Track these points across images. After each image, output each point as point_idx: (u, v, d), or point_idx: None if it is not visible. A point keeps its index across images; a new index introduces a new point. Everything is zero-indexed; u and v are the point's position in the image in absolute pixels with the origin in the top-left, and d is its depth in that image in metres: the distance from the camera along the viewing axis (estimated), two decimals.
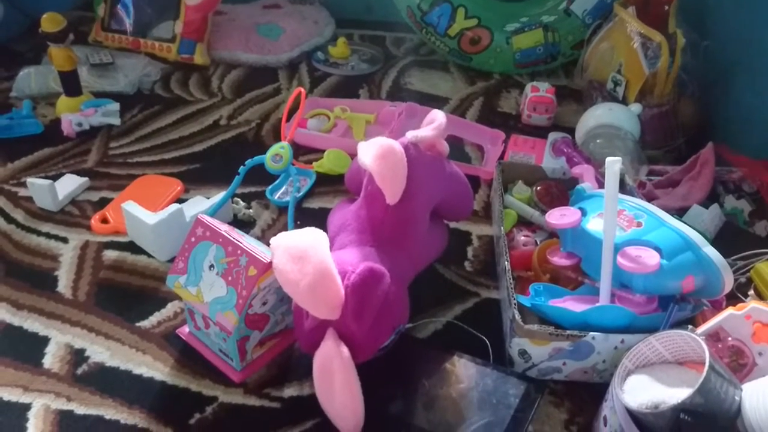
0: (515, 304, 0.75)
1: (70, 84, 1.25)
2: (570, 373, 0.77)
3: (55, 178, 1.08)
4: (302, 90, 1.11)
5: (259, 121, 1.31)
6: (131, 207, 0.93)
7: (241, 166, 0.98)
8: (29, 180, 1.02)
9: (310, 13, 1.70)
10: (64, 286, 0.89)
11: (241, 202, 1.05)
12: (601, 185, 0.93)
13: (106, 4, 1.53)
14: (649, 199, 0.99)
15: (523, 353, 0.75)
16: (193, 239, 0.76)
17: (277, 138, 1.25)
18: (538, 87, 1.32)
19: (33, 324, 0.83)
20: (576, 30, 1.48)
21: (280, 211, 1.06)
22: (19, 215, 1.02)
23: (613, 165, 0.76)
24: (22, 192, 1.07)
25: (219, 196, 0.99)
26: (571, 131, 1.24)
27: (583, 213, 0.85)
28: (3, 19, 1.38)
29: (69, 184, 1.06)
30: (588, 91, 1.34)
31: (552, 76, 1.56)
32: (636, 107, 1.18)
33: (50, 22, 1.17)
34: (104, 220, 1.00)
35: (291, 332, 0.82)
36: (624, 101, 1.22)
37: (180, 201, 1.05)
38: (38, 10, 1.46)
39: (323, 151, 1.16)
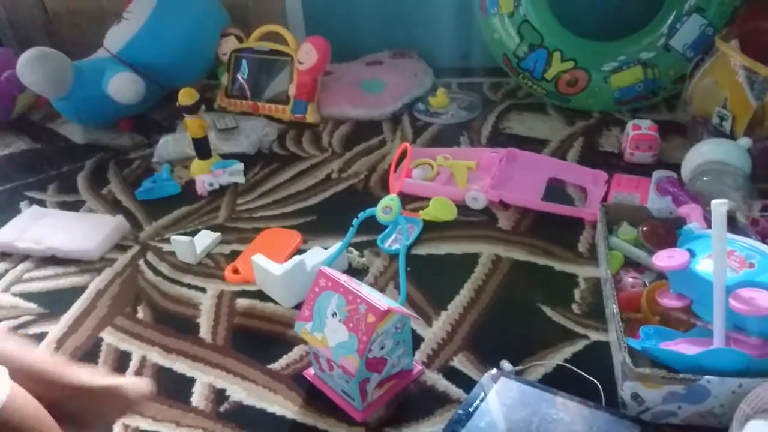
0: (625, 347, 0.77)
1: (202, 149, 1.41)
2: (686, 417, 0.77)
3: (192, 233, 1.21)
4: (408, 144, 1.18)
5: (367, 172, 1.41)
6: (260, 259, 1.04)
7: (355, 219, 1.06)
8: (173, 237, 1.16)
9: (410, 66, 1.80)
10: (204, 331, 1.01)
11: (354, 251, 1.13)
12: (709, 224, 0.92)
13: (229, 74, 1.71)
14: (764, 236, 0.97)
15: (635, 396, 0.76)
16: (317, 289, 0.84)
17: (385, 187, 1.33)
18: (640, 125, 1.32)
19: (181, 366, 0.95)
20: (677, 64, 1.46)
21: (391, 259, 1.13)
22: (164, 268, 1.16)
23: (719, 208, 0.76)
24: (165, 247, 1.21)
25: (335, 246, 1.08)
26: (676, 167, 1.23)
27: (692, 254, 0.85)
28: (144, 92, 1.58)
29: (205, 239, 1.19)
30: (693, 127, 1.33)
31: (654, 111, 1.55)
32: (745, 141, 1.15)
33: (186, 96, 1.33)
34: (236, 271, 1.12)
35: (407, 374, 0.88)
36: (731, 136, 1.20)
37: (300, 251, 1.15)
38: (172, 83, 1.68)
39: (428, 199, 1.23)
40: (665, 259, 0.86)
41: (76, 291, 1.11)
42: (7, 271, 1.18)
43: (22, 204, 1.37)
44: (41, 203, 1.38)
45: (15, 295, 1.12)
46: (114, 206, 1.37)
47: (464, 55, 1.88)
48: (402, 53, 1.87)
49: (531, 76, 1.57)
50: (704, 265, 0.82)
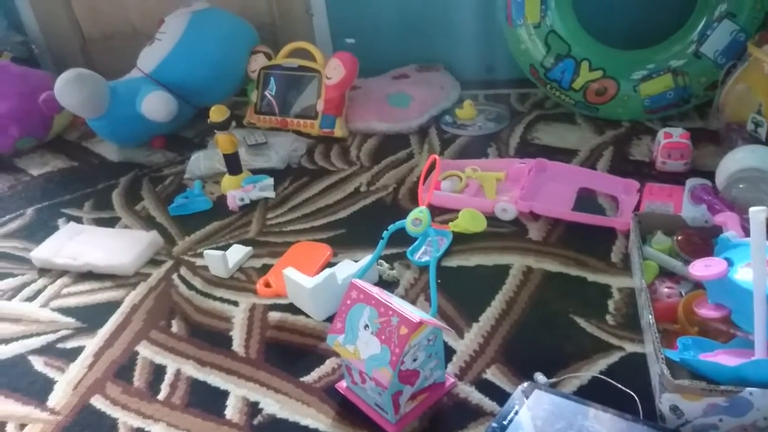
0: (663, 359, 0.75)
1: (233, 164, 1.43)
2: (728, 431, 0.74)
3: (224, 248, 1.23)
4: (437, 157, 1.19)
5: (396, 185, 1.41)
6: (291, 273, 1.05)
7: (385, 231, 1.07)
8: (206, 252, 1.18)
9: (436, 79, 1.80)
10: (237, 344, 1.02)
11: (384, 264, 1.13)
12: (747, 233, 0.90)
13: (258, 91, 1.74)
14: None
15: (674, 409, 0.75)
16: (348, 302, 0.84)
17: (413, 200, 1.33)
18: (671, 133, 1.30)
19: (215, 379, 0.95)
20: (708, 71, 1.45)
21: (421, 271, 1.13)
22: (197, 282, 1.18)
23: (758, 215, 0.75)
24: (198, 262, 1.23)
25: (365, 259, 1.08)
26: (709, 175, 1.21)
27: (730, 263, 0.83)
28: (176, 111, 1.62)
29: (237, 254, 1.21)
30: (726, 133, 1.30)
31: (685, 119, 1.53)
32: None
33: (217, 113, 1.36)
34: (267, 285, 1.13)
35: (440, 386, 0.87)
36: (766, 142, 1.18)
37: (330, 264, 1.15)
38: (203, 101, 1.71)
39: (458, 211, 1.23)
40: (702, 268, 0.84)
41: (112, 305, 1.14)
42: (45, 286, 1.22)
43: (60, 221, 1.41)
44: (78, 220, 1.42)
45: (54, 309, 1.15)
46: (148, 222, 1.39)
47: (490, 66, 1.88)
48: (428, 67, 1.88)
49: (559, 86, 1.56)
50: (743, 274, 0.80)
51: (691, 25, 1.48)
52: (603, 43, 1.55)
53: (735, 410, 0.72)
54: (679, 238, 1.00)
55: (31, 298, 1.19)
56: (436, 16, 1.85)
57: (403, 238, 1.11)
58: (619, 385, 0.83)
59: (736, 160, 1.14)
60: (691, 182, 1.21)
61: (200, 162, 1.54)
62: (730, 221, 0.95)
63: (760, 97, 1.20)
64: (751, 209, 0.76)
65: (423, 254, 1.16)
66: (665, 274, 0.99)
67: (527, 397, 0.80)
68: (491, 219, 1.23)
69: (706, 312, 0.84)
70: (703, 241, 0.99)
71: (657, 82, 1.48)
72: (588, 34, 1.55)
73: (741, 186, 1.09)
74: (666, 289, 0.94)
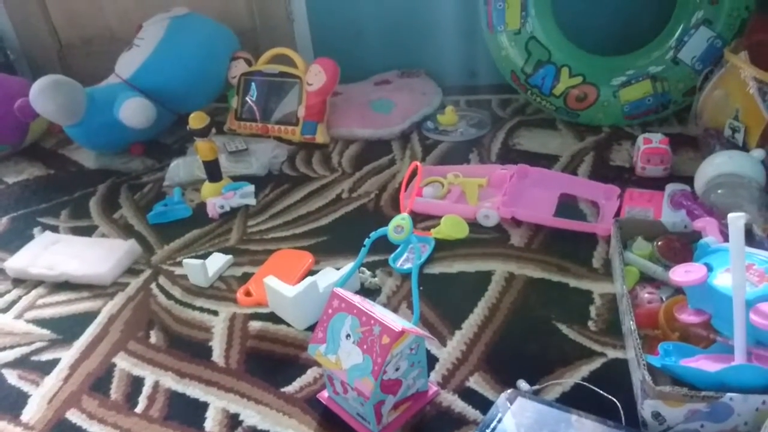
0: (644, 365, 0.75)
1: (213, 171, 1.41)
2: None
3: (203, 256, 1.21)
4: (418, 164, 1.18)
5: (378, 191, 1.41)
6: (272, 281, 1.03)
7: (366, 239, 1.06)
8: (185, 260, 1.16)
9: (418, 85, 1.80)
10: (217, 355, 1.00)
11: (366, 271, 1.13)
12: (726, 238, 0.91)
13: (239, 97, 1.73)
14: None
15: (657, 415, 0.75)
16: (330, 311, 0.83)
17: (395, 206, 1.33)
18: (651, 138, 1.31)
19: (194, 391, 0.94)
20: (686, 77, 1.46)
21: (403, 278, 1.12)
22: (176, 292, 1.16)
23: (737, 221, 0.75)
24: (177, 270, 1.21)
25: (347, 267, 1.07)
26: (688, 180, 1.22)
27: (709, 268, 0.84)
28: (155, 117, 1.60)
29: (216, 262, 1.19)
30: (705, 139, 1.32)
31: (664, 124, 1.54)
32: (758, 153, 1.14)
33: (197, 120, 1.34)
34: (248, 294, 1.11)
35: (422, 395, 0.86)
36: (744, 147, 1.19)
37: (312, 272, 1.14)
38: (182, 107, 1.70)
39: (440, 217, 1.23)
40: (682, 273, 0.85)
41: (89, 316, 1.11)
42: (20, 297, 1.19)
43: (36, 230, 1.38)
44: (54, 229, 1.39)
45: (28, 321, 1.12)
46: (126, 230, 1.37)
47: (472, 72, 1.89)
48: (410, 72, 1.88)
49: (540, 92, 1.57)
50: (722, 280, 0.81)
51: (669, 31, 1.49)
52: (583, 49, 1.57)
53: (716, 416, 0.72)
54: (660, 243, 1.01)
55: (4, 310, 1.16)
56: (418, 22, 1.85)
57: (385, 246, 1.10)
58: (602, 392, 0.83)
59: (714, 166, 1.15)
60: (670, 188, 1.22)
61: (180, 169, 1.52)
62: (709, 226, 0.96)
63: (737, 102, 1.21)
64: (730, 215, 0.76)
65: (405, 261, 1.15)
66: (646, 279, 0.99)
67: (511, 405, 0.80)
68: (473, 225, 1.23)
69: (687, 317, 0.85)
70: (683, 246, 0.99)
71: (636, 88, 1.49)
72: (568, 41, 1.56)
73: (719, 191, 1.10)
74: (647, 295, 0.95)
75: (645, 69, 1.49)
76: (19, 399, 0.95)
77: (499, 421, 0.78)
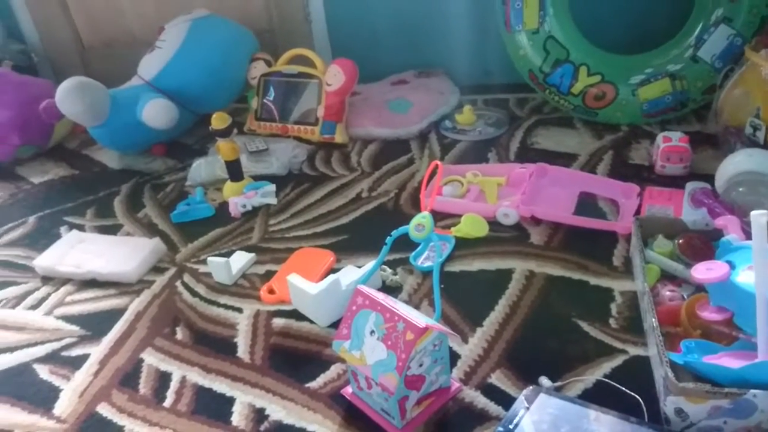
0: (667, 362, 0.76)
1: (235, 171, 1.43)
2: None
3: (226, 255, 1.23)
4: (439, 162, 1.19)
5: (397, 190, 1.42)
6: (295, 279, 1.05)
7: (388, 237, 1.07)
8: (209, 258, 1.18)
9: (435, 85, 1.81)
10: (242, 351, 1.02)
11: (388, 269, 1.14)
12: (748, 236, 0.91)
13: (258, 98, 1.75)
14: None
15: (679, 412, 0.75)
16: (354, 307, 0.85)
17: (414, 205, 1.34)
18: (670, 137, 1.31)
19: (220, 386, 0.96)
20: (705, 75, 1.46)
21: (424, 276, 1.13)
22: (201, 289, 1.18)
23: (759, 219, 0.75)
24: (202, 268, 1.24)
25: (369, 265, 1.09)
26: (708, 178, 1.22)
27: (732, 266, 0.84)
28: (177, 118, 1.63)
29: (240, 260, 1.21)
30: (725, 137, 1.32)
31: (683, 122, 1.54)
32: None
33: (219, 120, 1.36)
34: (271, 291, 1.13)
35: (445, 391, 0.88)
36: (765, 145, 1.19)
37: (333, 270, 1.16)
38: (203, 108, 1.72)
39: (460, 216, 1.24)
40: (704, 271, 0.85)
41: (116, 313, 1.14)
42: (49, 294, 1.22)
43: (62, 229, 1.41)
44: (80, 228, 1.42)
45: (58, 317, 1.15)
46: (150, 229, 1.40)
47: (489, 72, 1.89)
48: (427, 72, 1.89)
49: (558, 91, 1.57)
50: (745, 277, 0.81)
51: (688, 29, 1.49)
52: (601, 48, 1.57)
53: (739, 412, 0.73)
54: (681, 241, 1.01)
55: (34, 306, 1.19)
56: (435, 22, 1.86)
57: (405, 244, 1.12)
58: (624, 389, 0.84)
59: (735, 164, 1.14)
60: (690, 186, 1.22)
61: (201, 169, 1.55)
62: (730, 224, 0.96)
63: (758, 101, 1.21)
64: (753, 213, 0.76)
65: (426, 259, 1.17)
66: (667, 277, 0.99)
67: (532, 401, 0.81)
68: (493, 224, 1.24)
69: (709, 315, 0.85)
70: (704, 244, 1.00)
71: (655, 87, 1.49)
72: (586, 40, 1.56)
73: (740, 189, 1.10)
74: (668, 293, 0.95)
75: (664, 67, 1.49)
76: (51, 393, 0.98)
77: (521, 417, 0.79)
